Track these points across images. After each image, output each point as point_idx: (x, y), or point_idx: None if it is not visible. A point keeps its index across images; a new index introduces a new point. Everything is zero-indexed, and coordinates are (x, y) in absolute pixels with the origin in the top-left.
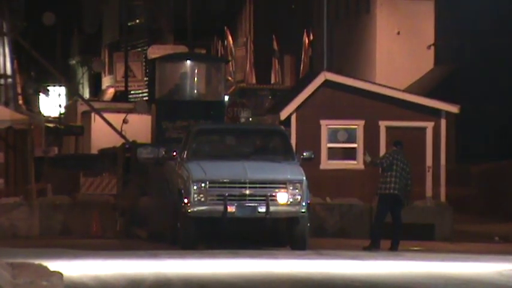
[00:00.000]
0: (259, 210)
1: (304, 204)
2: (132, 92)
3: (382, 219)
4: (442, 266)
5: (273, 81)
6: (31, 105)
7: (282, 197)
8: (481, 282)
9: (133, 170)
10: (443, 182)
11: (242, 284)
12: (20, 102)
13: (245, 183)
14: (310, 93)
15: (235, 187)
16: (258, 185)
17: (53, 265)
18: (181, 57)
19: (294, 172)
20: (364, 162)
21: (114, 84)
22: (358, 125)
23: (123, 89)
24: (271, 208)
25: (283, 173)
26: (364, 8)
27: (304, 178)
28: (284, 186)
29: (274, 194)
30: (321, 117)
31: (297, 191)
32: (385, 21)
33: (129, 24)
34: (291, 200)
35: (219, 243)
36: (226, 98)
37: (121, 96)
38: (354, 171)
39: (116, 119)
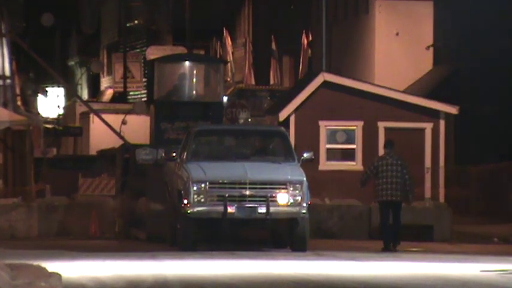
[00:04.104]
0: (259, 211)
1: (304, 205)
2: (130, 93)
3: (385, 222)
4: (441, 267)
5: (271, 82)
6: (30, 106)
7: (283, 197)
8: (480, 284)
9: (132, 171)
10: (442, 183)
11: (242, 285)
12: (19, 103)
13: (245, 183)
14: (309, 94)
15: (235, 188)
16: (258, 186)
17: (52, 266)
18: (180, 58)
19: (295, 173)
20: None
21: (113, 85)
22: (357, 126)
23: (121, 90)
24: (272, 209)
25: (284, 173)
26: (363, 9)
27: (305, 179)
28: (284, 187)
29: (274, 195)
30: (320, 118)
31: (297, 192)
32: (384, 22)
33: (127, 25)
34: (292, 201)
35: (218, 244)
36: (225, 98)
37: (120, 97)
38: (353, 172)
39: (114, 120)
